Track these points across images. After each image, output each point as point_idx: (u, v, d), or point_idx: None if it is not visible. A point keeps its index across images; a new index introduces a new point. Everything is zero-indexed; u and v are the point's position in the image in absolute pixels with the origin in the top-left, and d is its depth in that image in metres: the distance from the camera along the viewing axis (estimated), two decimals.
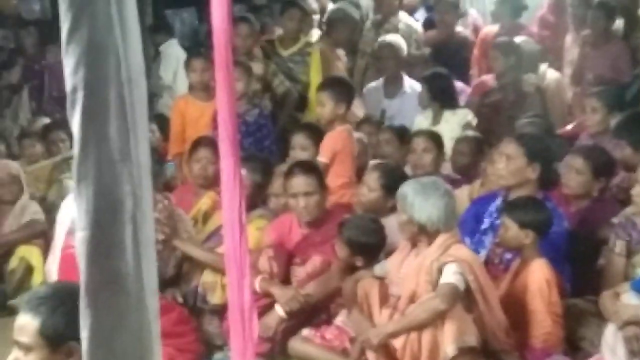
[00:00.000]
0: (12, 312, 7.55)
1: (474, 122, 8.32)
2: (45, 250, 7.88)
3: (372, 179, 6.41)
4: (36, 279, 7.77)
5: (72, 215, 6.36)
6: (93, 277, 1.79)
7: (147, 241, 1.82)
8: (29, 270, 7.79)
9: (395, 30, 9.91)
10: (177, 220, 6.45)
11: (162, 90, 11.02)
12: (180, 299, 6.33)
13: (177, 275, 6.51)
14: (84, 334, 1.79)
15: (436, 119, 8.28)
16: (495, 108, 8.66)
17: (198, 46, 12.78)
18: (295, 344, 5.91)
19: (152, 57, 11.81)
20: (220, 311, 6.08)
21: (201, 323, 6.29)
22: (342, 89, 7.40)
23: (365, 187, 6.44)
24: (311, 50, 9.15)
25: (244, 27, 8.77)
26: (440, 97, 8.32)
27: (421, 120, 8.39)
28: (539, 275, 5.51)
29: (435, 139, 7.28)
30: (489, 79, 9.18)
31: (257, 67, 8.62)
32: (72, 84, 1.77)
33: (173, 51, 11.17)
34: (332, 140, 7.12)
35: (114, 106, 1.78)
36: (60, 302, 3.04)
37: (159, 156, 8.69)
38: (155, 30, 11.91)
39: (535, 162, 5.98)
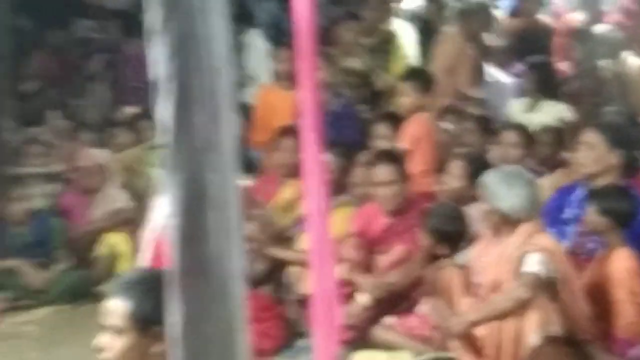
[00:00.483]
0: (98, 298, 7.70)
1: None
2: (132, 238, 8.03)
3: (457, 167, 6.41)
4: (123, 265, 7.91)
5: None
6: (181, 263, 1.84)
7: (233, 229, 1.87)
8: (115, 257, 7.93)
9: None
10: (256, 207, 6.52)
11: (246, 79, 11.10)
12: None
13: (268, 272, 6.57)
14: (173, 319, 1.84)
15: (532, 107, 8.18)
16: (574, 96, 8.57)
17: (281, 36, 12.86)
18: (378, 332, 5.94)
19: (236, 47, 11.92)
20: (306, 300, 6.13)
21: (285, 311, 6.34)
22: (424, 79, 7.42)
23: (449, 175, 6.44)
24: (393, 39, 9.16)
25: (352, 24, 8.85)
26: (544, 86, 8.24)
27: (515, 107, 8.31)
28: (621, 265, 5.47)
29: (525, 134, 7.19)
30: (565, 66, 9.09)
31: (356, 62, 8.67)
32: (165, 73, 1.82)
33: (256, 41, 11.25)
34: (413, 127, 7.15)
35: (204, 95, 1.83)
36: (151, 287, 3.09)
37: (243, 144, 8.78)
38: (238, 21, 12.01)
39: (617, 149, 5.93)
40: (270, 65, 10.32)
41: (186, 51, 1.83)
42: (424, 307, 5.89)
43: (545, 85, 8.27)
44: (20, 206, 7.62)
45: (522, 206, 5.38)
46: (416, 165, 6.97)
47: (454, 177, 6.39)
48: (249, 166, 8.20)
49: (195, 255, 1.83)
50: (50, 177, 8.59)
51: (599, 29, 9.03)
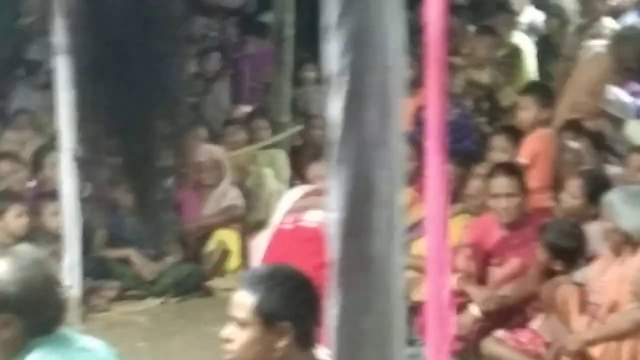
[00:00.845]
0: (208, 293, 7.79)
1: None
2: (242, 236, 8.10)
3: (576, 186, 6.31)
4: (233, 263, 7.99)
5: (292, 199, 6.56)
6: (344, 257, 1.83)
7: (399, 227, 1.86)
8: (225, 253, 8.01)
9: (600, 35, 9.73)
10: None
11: None
12: None
13: None
14: (333, 311, 1.84)
15: None
16: None
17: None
18: (489, 345, 5.89)
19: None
20: (418, 308, 6.11)
21: None
22: (546, 94, 7.35)
23: (568, 193, 6.35)
24: (519, 53, 9.13)
25: (489, 38, 8.84)
26: None
27: (636, 128, 8.16)
28: None
29: None
30: None
31: (485, 76, 8.64)
32: (337, 67, 1.82)
33: None
34: (534, 143, 7.07)
35: (376, 92, 1.82)
36: (279, 282, 3.12)
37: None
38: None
39: None
40: None
41: (360, 46, 1.82)
42: (537, 322, 5.81)
43: None
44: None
45: None
46: (534, 180, 6.89)
47: (573, 196, 6.29)
48: None
49: (357, 250, 1.83)
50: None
51: None
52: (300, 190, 6.71)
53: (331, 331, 1.86)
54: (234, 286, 7.97)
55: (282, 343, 3.06)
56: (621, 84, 9.09)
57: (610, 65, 8.54)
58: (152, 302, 7.56)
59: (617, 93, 8.91)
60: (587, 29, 9.87)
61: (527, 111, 7.19)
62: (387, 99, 1.84)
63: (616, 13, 10.65)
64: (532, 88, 7.57)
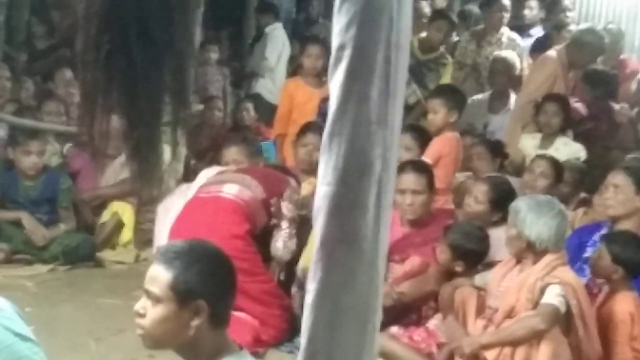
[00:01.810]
0: (98, 263, 7.67)
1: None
2: (138, 209, 8.00)
3: (481, 191, 6.39)
4: (125, 235, 7.88)
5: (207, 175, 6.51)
6: (331, 232, 1.81)
7: (387, 205, 1.85)
8: (119, 225, 7.90)
9: (500, 44, 9.92)
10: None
11: (264, 71, 11.12)
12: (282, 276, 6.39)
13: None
14: (312, 286, 1.82)
15: (545, 144, 8.18)
16: (588, 137, 8.57)
17: (300, 30, 12.88)
18: (382, 340, 5.88)
19: (257, 38, 11.94)
20: None
21: (292, 306, 6.31)
22: (455, 97, 7.43)
23: (472, 198, 6.43)
24: (446, 61, 9.22)
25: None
26: (560, 122, 8.23)
27: (527, 141, 8.33)
28: (624, 308, 5.49)
29: (557, 168, 7.19)
30: (579, 106, 9.10)
31: None
32: (340, 41, 1.79)
33: (279, 34, 11.27)
34: (440, 144, 7.15)
35: (379, 68, 1.80)
36: (195, 259, 3.06)
37: (253, 135, 8.78)
38: (262, 12, 12.01)
39: None
40: (286, 59, 10.36)
41: (368, 21, 1.80)
42: (435, 322, 5.86)
43: (559, 121, 8.26)
44: (33, 160, 7.54)
45: (549, 236, 5.37)
46: (437, 181, 6.96)
47: (477, 201, 6.37)
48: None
49: (347, 226, 1.81)
50: (66, 136, 8.53)
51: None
52: (215, 169, 6.72)
53: (307, 306, 1.84)
54: (124, 259, 7.91)
55: (195, 322, 3.01)
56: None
57: (561, 68, 8.71)
58: (41, 268, 7.40)
59: None
60: (484, 37, 10.01)
61: (436, 114, 7.26)
62: (391, 76, 1.82)
63: (521, 27, 10.86)
64: (442, 91, 7.64)
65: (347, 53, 1.78)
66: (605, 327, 5.53)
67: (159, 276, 3.06)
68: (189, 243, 3.20)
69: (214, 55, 11.35)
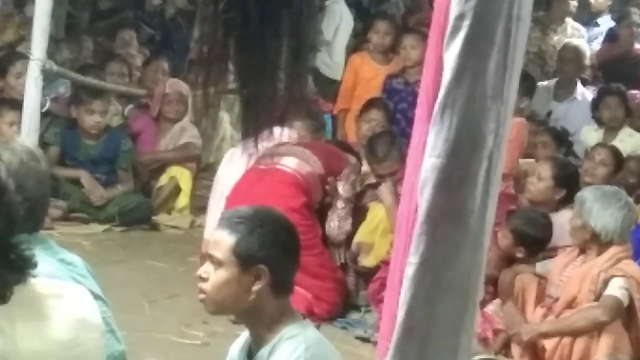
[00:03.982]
0: (153, 227, 7.66)
1: None
2: (196, 176, 7.98)
3: (545, 169, 6.32)
4: (182, 201, 7.87)
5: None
6: (437, 206, 1.77)
7: (496, 181, 1.79)
8: (176, 190, 7.88)
9: (565, 32, 9.81)
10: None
11: (320, 44, 11.03)
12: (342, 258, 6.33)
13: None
14: (413, 259, 1.77)
15: (608, 137, 8.07)
16: None
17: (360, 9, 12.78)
18: None
19: (318, 10, 11.84)
20: (368, 273, 6.09)
21: (345, 281, 6.27)
22: (526, 83, 7.34)
23: (535, 176, 6.35)
24: None
25: None
26: (621, 114, 8.14)
27: (589, 133, 8.22)
28: None
29: (617, 157, 7.10)
30: None
31: None
32: (459, 10, 1.73)
33: (338, 7, 11.15)
34: (514, 129, 7.05)
35: (498, 41, 1.74)
36: (259, 225, 3.03)
37: (317, 109, 8.71)
38: None
39: None
40: (347, 34, 10.19)
41: None
42: (493, 307, 5.79)
43: (622, 113, 8.17)
44: (96, 119, 7.54)
45: (615, 228, 5.29)
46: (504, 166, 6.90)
47: (541, 178, 6.28)
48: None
49: (455, 201, 1.76)
50: (130, 98, 8.52)
51: None
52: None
53: (407, 280, 1.79)
54: (179, 224, 7.88)
55: (256, 287, 2.99)
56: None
57: None
58: (97, 228, 7.40)
59: (584, 92, 8.99)
60: (549, 25, 9.90)
61: None
62: (509, 50, 1.76)
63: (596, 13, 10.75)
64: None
65: (466, 23, 1.73)
66: None
67: (222, 240, 3.04)
68: (254, 209, 3.17)
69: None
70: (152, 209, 7.72)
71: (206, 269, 3.08)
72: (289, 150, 6.28)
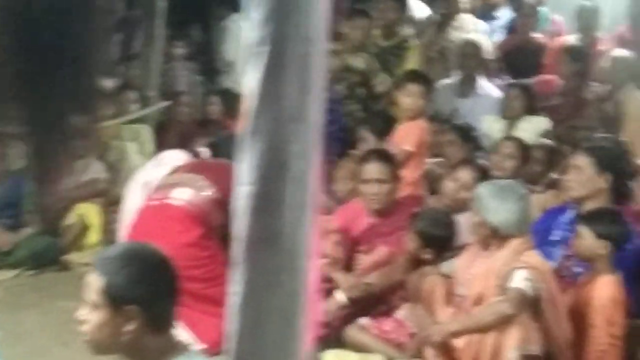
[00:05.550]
0: (65, 267, 7.58)
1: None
2: (105, 210, 7.91)
3: (465, 174, 6.38)
4: (92, 237, 7.80)
5: (156, 175, 6.38)
6: (252, 233, 1.77)
7: (309, 203, 1.79)
8: (85, 227, 7.82)
9: (464, 28, 9.90)
10: None
11: (226, 65, 11.02)
12: None
13: None
14: (237, 288, 1.77)
15: (510, 127, 8.18)
16: (553, 112, 8.57)
17: None
18: (352, 332, 5.86)
19: (216, 32, 11.83)
20: None
21: None
22: (428, 84, 7.40)
23: (456, 181, 6.39)
24: (408, 45, 9.14)
25: (361, 21, 8.77)
26: (523, 104, 8.26)
27: (491, 124, 8.31)
28: (605, 292, 5.43)
29: (524, 149, 7.17)
30: (553, 79, 9.13)
31: (360, 62, 8.61)
32: (256, 37, 1.73)
33: (237, 25, 11.14)
34: (420, 131, 7.11)
35: (295, 64, 1.74)
36: (126, 264, 3.05)
37: (218, 129, 8.70)
38: (220, 4, 11.90)
39: (605, 172, 5.90)
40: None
41: (282, 17, 1.75)
42: (403, 312, 5.81)
43: (525, 103, 8.29)
44: None
45: (513, 221, 5.33)
46: (415, 169, 6.95)
47: (462, 185, 6.31)
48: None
49: (268, 225, 1.76)
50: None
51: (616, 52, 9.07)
52: (168, 165, 6.53)
53: (234, 308, 1.79)
54: (91, 261, 7.81)
55: (129, 327, 3.01)
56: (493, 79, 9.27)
57: None
58: (7, 274, 7.32)
59: (488, 88, 9.07)
60: (446, 23, 9.98)
61: (412, 98, 7.20)
62: (308, 72, 1.76)
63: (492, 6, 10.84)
64: (418, 76, 7.58)
65: (265, 49, 1.72)
66: (583, 312, 5.47)
67: (93, 282, 3.08)
68: (124, 247, 3.22)
69: (179, 50, 11.25)
70: (62, 249, 7.64)
71: (83, 311, 3.10)
72: (180, 180, 6.12)
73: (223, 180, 6.07)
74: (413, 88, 7.19)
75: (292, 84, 1.74)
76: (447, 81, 9.29)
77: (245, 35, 9.74)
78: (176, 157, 6.56)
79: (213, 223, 5.94)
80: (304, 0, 1.74)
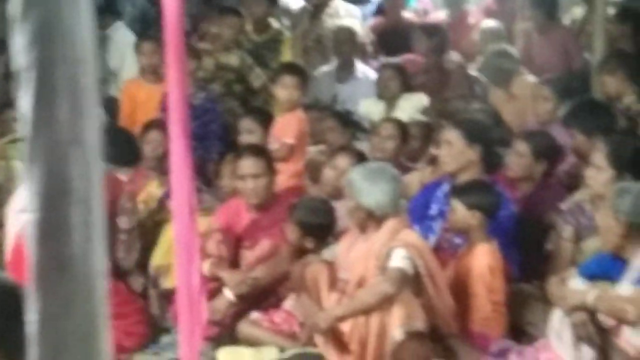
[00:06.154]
0: None
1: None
2: None
3: (343, 161, 6.46)
4: None
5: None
6: (42, 260, 1.77)
7: (96, 224, 1.80)
8: None
9: (338, 14, 9.96)
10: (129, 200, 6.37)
11: (110, 74, 10.93)
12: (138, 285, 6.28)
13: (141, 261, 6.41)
14: (33, 317, 1.77)
15: (390, 108, 8.27)
16: (425, 89, 8.70)
17: (148, 29, 12.68)
18: (244, 328, 5.90)
19: (100, 41, 11.73)
20: (170, 295, 6.08)
21: (149, 306, 6.25)
22: (303, 75, 7.44)
23: (336, 170, 6.47)
24: (282, 38, 9.17)
25: (231, 19, 8.76)
26: (398, 84, 8.36)
27: (370, 107, 8.40)
28: (482, 261, 5.58)
29: (402, 129, 7.26)
30: (417, 57, 9.27)
31: (234, 59, 8.61)
32: (24, 63, 1.74)
33: (121, 35, 11.06)
34: (298, 122, 7.13)
35: (64, 87, 1.76)
36: None
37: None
38: (103, 13, 11.80)
39: (475, 144, 6.02)
40: (134, 59, 10.15)
41: (47, 40, 1.75)
42: (290, 302, 5.87)
43: (399, 82, 8.40)
44: None
45: (386, 202, 5.42)
46: (297, 161, 7.00)
47: (341, 171, 6.36)
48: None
49: (56, 251, 1.76)
50: None
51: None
52: None
53: (31, 338, 1.80)
54: None
55: None
56: (368, 61, 9.37)
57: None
58: None
59: (365, 71, 9.16)
60: (320, 10, 10.02)
61: (288, 90, 7.22)
62: (78, 93, 1.77)
63: None
64: (293, 68, 7.62)
65: (32, 74, 1.74)
66: (465, 281, 5.61)
67: None
68: None
69: None
70: None
71: None
72: None
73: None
74: (287, 80, 7.22)
75: (64, 107, 1.75)
76: (325, 69, 9.37)
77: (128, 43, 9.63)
78: None
79: None
80: (68, 21, 1.75)
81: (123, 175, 6.66)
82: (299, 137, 7.11)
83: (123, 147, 6.71)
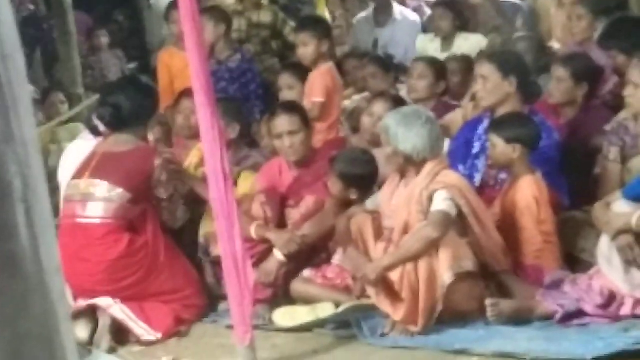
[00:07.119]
0: None
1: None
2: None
3: (380, 107, 6.42)
4: None
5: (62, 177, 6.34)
6: None
7: (42, 221, 1.77)
8: None
9: None
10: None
11: (159, 44, 10.95)
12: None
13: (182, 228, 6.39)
14: None
15: (446, 45, 8.14)
16: (481, 27, 8.57)
17: None
18: (297, 286, 5.87)
19: (145, 9, 11.76)
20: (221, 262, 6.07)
21: (203, 275, 6.24)
22: (322, 27, 7.33)
23: (371, 116, 6.47)
24: None
25: None
26: (455, 22, 8.22)
27: (426, 44, 8.26)
28: (527, 193, 5.49)
29: (434, 66, 7.16)
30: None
31: (266, 15, 8.55)
32: None
33: (165, 1, 11.07)
34: (323, 78, 7.03)
35: None
36: None
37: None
38: None
39: (511, 76, 5.90)
40: None
41: None
42: (338, 257, 5.82)
43: (457, 21, 8.25)
44: None
45: (423, 145, 5.34)
46: (327, 116, 6.92)
47: (378, 118, 6.29)
48: None
49: (5, 251, 1.73)
50: None
51: None
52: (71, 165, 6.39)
53: None
54: None
55: None
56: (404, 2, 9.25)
57: None
58: None
59: (404, 12, 9.04)
60: None
61: (307, 46, 7.14)
62: (5, 92, 1.74)
63: None
64: (308, 23, 7.51)
65: None
66: (512, 215, 5.53)
67: None
68: None
69: (104, 39, 11.22)
70: None
71: None
72: (87, 194, 5.96)
73: (131, 178, 5.91)
74: (303, 37, 7.12)
75: None
76: (363, 14, 9.26)
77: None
78: (77, 151, 6.50)
79: (136, 214, 5.88)
80: None
81: (150, 134, 6.60)
82: (327, 92, 6.99)
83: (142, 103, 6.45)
